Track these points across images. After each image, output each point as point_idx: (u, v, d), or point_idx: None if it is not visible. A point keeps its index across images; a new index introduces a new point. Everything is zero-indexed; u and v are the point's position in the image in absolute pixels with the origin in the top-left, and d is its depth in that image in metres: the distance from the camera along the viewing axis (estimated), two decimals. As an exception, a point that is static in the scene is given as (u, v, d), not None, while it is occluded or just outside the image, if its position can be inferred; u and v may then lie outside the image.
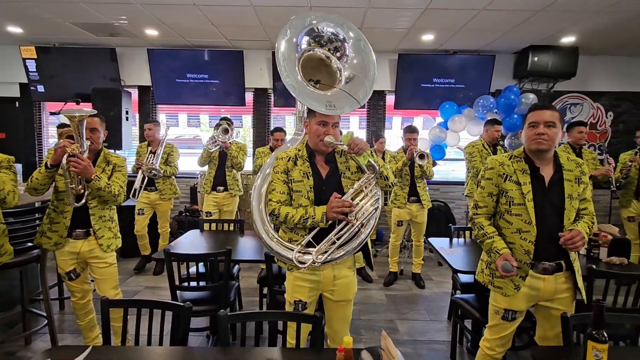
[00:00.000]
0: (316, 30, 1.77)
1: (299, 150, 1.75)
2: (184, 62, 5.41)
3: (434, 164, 5.37)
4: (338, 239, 1.58)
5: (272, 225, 1.77)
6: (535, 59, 4.95)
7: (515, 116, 5.01)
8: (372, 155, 1.64)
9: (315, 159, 1.73)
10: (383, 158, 4.66)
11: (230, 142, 3.67)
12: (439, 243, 2.87)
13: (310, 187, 1.68)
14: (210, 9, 3.90)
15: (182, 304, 1.47)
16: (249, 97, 5.72)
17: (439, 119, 5.39)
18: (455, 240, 2.94)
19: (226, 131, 3.60)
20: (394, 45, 5.15)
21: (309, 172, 1.70)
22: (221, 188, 3.81)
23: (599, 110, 5.40)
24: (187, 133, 6.70)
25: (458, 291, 2.80)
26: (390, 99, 5.69)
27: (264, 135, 5.72)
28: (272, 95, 5.65)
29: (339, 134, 1.72)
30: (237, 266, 2.99)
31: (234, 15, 4.07)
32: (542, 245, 1.63)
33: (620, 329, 2.01)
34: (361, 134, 5.95)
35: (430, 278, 3.97)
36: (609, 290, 2.01)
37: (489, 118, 4.21)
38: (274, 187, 1.72)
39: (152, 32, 4.74)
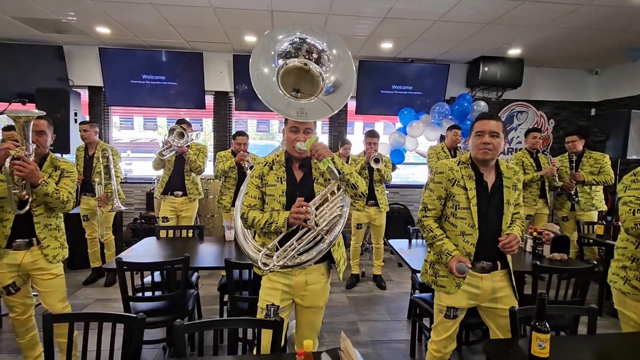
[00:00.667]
0: (294, 42, 1.77)
1: (278, 156, 1.79)
2: (139, 62, 5.19)
3: (394, 168, 5.54)
4: (299, 244, 1.58)
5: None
6: (486, 69, 5.27)
7: (469, 122, 5.29)
8: (335, 162, 1.61)
9: (292, 164, 1.76)
10: (347, 163, 4.74)
11: (188, 146, 3.55)
12: (399, 244, 2.95)
13: (283, 192, 1.70)
14: (167, 8, 3.78)
15: (134, 315, 1.40)
16: (209, 100, 5.59)
17: (399, 125, 5.57)
18: (414, 241, 3.04)
19: (181, 135, 3.48)
20: (355, 51, 5.26)
21: (283, 177, 1.72)
22: (179, 193, 3.64)
23: (542, 118, 5.83)
24: (144, 137, 6.42)
25: (417, 290, 2.89)
26: (351, 105, 5.79)
27: (225, 139, 5.61)
28: (234, 98, 5.56)
29: (310, 138, 1.72)
30: (196, 274, 2.89)
31: (193, 16, 3.97)
32: (482, 247, 1.73)
33: (562, 319, 2.17)
34: (324, 139, 6.01)
35: (390, 279, 4.06)
36: (552, 284, 2.17)
37: (450, 125, 4.42)
38: (247, 190, 1.77)
39: (103, 30, 4.51)
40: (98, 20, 4.16)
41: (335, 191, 1.67)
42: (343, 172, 1.63)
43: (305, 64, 1.73)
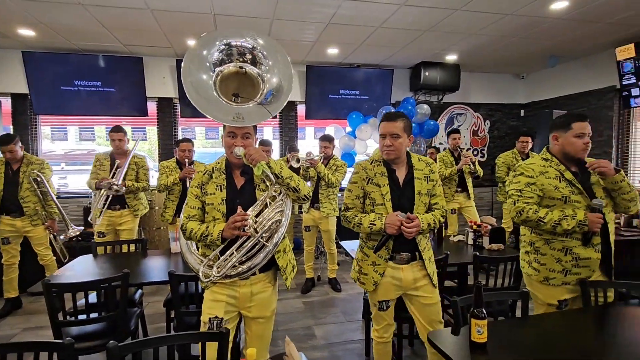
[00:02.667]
0: (222, 49, 1.71)
1: (219, 163, 1.73)
2: (70, 67, 4.81)
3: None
4: (239, 252, 1.54)
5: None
6: (427, 73, 5.55)
7: (413, 125, 5.53)
8: (271, 167, 1.58)
9: (232, 171, 1.71)
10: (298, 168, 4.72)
11: (123, 180, 3.28)
12: (351, 246, 2.99)
13: (222, 200, 1.65)
14: (99, 9, 3.55)
15: (60, 341, 1.27)
16: (152, 107, 5.32)
17: (349, 129, 5.68)
18: (365, 241, 3.10)
19: (110, 188, 3.19)
20: (302, 57, 5.30)
21: (223, 185, 1.67)
22: (117, 206, 3.39)
23: (479, 119, 6.26)
24: (80, 148, 5.96)
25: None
26: (301, 110, 5.82)
27: (171, 147, 5.37)
28: (179, 105, 5.35)
29: (252, 144, 1.68)
30: (139, 291, 2.71)
31: (129, 18, 3.76)
32: (398, 240, 1.80)
33: (502, 305, 2.32)
34: (275, 145, 5.97)
35: (346, 281, 4.10)
36: (498, 273, 2.31)
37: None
38: (187, 201, 1.71)
39: (27, 32, 4.13)
40: (19, 20, 3.80)
41: (277, 196, 1.64)
42: (282, 176, 1.61)
43: (241, 67, 1.69)
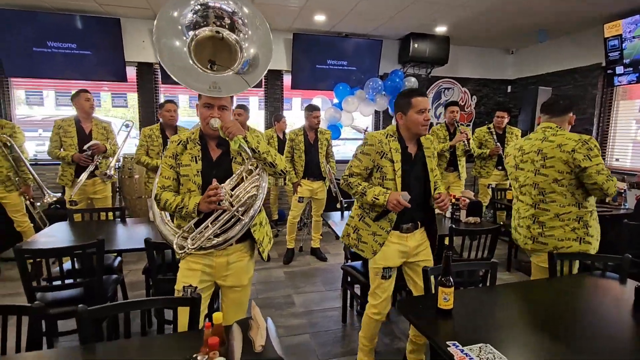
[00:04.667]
0: (197, 10, 1.61)
1: (193, 134, 1.68)
2: (42, 27, 4.55)
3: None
4: (214, 225, 1.53)
5: None
6: (416, 45, 5.44)
7: (400, 98, 5.47)
8: (248, 141, 1.53)
9: (207, 142, 1.67)
10: (284, 138, 4.66)
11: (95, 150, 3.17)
12: (331, 217, 3.02)
13: (197, 171, 1.62)
14: (69, -36, 3.31)
15: (28, 304, 1.26)
16: (131, 72, 5.12)
17: (336, 100, 5.59)
18: (346, 213, 3.13)
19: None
20: (288, 24, 5.12)
21: (198, 156, 1.63)
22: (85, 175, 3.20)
23: (466, 94, 6.23)
24: (59, 114, 5.74)
25: (349, 260, 3.00)
26: (287, 79, 5.68)
27: (152, 115, 5.22)
28: (159, 70, 5.15)
29: (228, 116, 1.63)
30: (118, 258, 2.71)
31: (102, -26, 3.54)
32: (404, 213, 1.83)
33: (474, 276, 2.40)
34: (260, 115, 5.86)
35: (328, 252, 4.17)
36: (469, 245, 2.38)
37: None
38: (161, 171, 1.67)
39: (-8, -13, 3.85)
40: (-18, -27, 3.53)
41: (253, 170, 1.61)
42: (259, 151, 1.57)
43: (218, 32, 1.61)
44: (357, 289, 2.65)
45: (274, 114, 5.46)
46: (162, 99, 5.33)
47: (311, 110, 3.68)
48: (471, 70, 6.20)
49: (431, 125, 5.73)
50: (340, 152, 6.09)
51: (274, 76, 5.63)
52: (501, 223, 3.93)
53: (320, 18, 4.84)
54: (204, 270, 1.64)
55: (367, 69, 5.69)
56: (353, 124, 5.47)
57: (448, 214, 2.90)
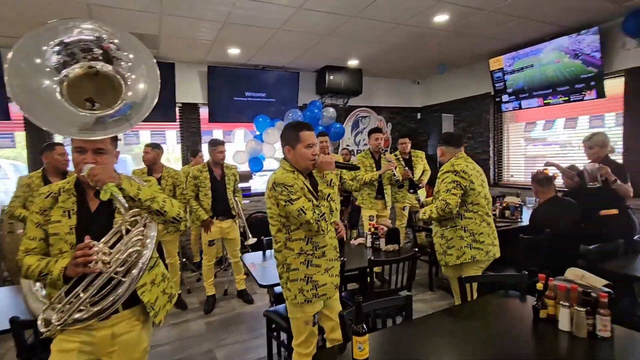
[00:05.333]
0: (59, 51, 1.39)
1: (68, 182, 1.44)
2: None
3: (250, 178, 5.44)
4: (87, 293, 1.28)
5: None
6: (331, 77, 5.65)
7: (320, 127, 5.58)
8: (124, 189, 1.33)
9: (85, 191, 1.44)
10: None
11: None
12: (251, 258, 2.84)
13: (71, 228, 1.37)
14: None
15: None
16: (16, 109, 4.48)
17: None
18: (268, 252, 2.97)
19: None
20: (202, 56, 4.98)
21: (72, 209, 1.40)
22: None
23: (382, 122, 6.60)
24: None
25: (273, 304, 2.82)
26: (204, 112, 5.47)
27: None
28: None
29: (107, 161, 1.41)
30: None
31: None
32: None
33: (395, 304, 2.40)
34: (177, 149, 5.53)
35: (255, 292, 3.93)
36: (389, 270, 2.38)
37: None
38: (26, 230, 1.40)
39: None
40: None
41: (138, 220, 1.41)
42: (140, 199, 1.37)
43: (90, 67, 1.42)
44: (284, 335, 2.49)
45: (190, 148, 5.19)
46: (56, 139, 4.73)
47: (214, 145, 3.51)
48: (384, 99, 6.61)
49: (350, 153, 5.93)
50: (262, 182, 5.95)
51: (190, 109, 5.38)
52: (423, 244, 4.12)
53: (234, 51, 4.79)
54: (81, 349, 1.36)
55: (287, 100, 5.73)
56: (276, 156, 5.41)
57: (369, 244, 2.91)
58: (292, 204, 1.70)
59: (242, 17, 3.68)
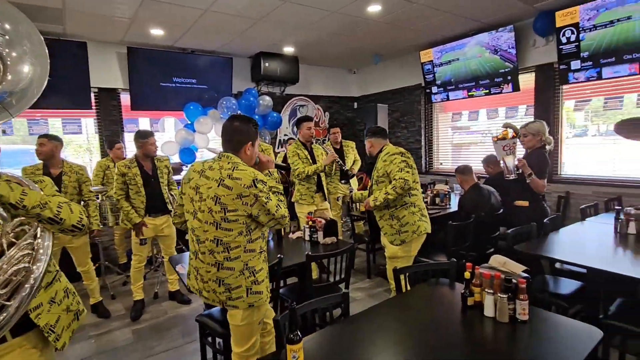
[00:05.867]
0: None
1: None
2: None
3: (180, 171, 5.08)
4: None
5: None
6: (267, 64, 5.44)
7: (256, 117, 5.37)
8: (2, 196, 1.09)
9: None
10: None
11: None
12: (180, 259, 2.63)
13: None
14: None
15: None
16: None
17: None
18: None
19: None
20: (119, 36, 4.46)
21: None
22: None
23: (319, 111, 6.56)
24: None
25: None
26: (126, 99, 4.95)
27: None
28: None
29: None
30: None
31: None
32: None
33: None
34: (95, 140, 4.95)
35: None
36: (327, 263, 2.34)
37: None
38: None
39: None
40: None
41: (27, 230, 1.18)
42: (25, 207, 1.14)
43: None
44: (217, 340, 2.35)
45: (108, 138, 4.67)
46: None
47: (145, 137, 3.15)
48: (322, 88, 6.57)
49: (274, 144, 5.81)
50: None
51: (108, 95, 4.83)
52: (361, 233, 4.19)
53: (157, 32, 4.36)
54: None
55: (220, 87, 5.41)
56: (209, 147, 5.11)
57: (307, 237, 2.86)
58: (270, 199, 1.68)
59: (163, -6, 3.33)
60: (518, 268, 1.62)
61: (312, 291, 2.29)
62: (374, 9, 3.84)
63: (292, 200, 3.82)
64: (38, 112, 4.46)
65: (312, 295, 2.22)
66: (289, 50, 5.39)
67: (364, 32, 4.62)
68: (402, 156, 2.60)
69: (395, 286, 1.96)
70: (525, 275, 1.58)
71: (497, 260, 1.70)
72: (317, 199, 3.72)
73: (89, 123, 4.96)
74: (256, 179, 1.63)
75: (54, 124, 4.73)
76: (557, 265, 2.71)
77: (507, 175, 2.94)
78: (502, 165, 3.00)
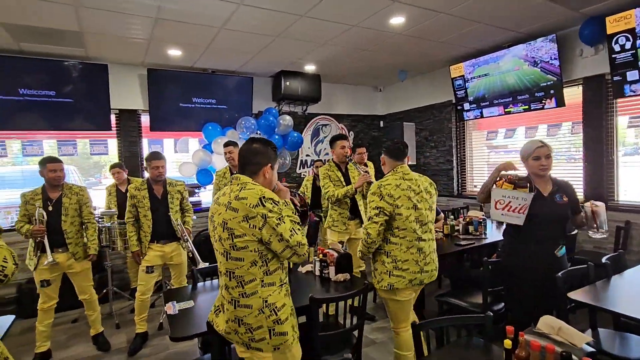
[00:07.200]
0: None
1: None
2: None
3: (193, 194, 4.94)
4: None
5: None
6: (287, 83, 5.28)
7: (276, 137, 5.18)
8: None
9: None
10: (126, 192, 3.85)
11: None
12: (184, 293, 2.37)
13: None
14: None
15: None
16: None
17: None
18: (201, 284, 2.52)
19: None
20: (140, 58, 4.46)
21: None
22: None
23: (343, 130, 6.29)
24: None
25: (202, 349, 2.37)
26: (146, 120, 4.92)
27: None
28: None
29: None
30: None
31: None
32: None
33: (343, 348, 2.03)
34: (115, 159, 4.93)
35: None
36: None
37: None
38: None
39: None
40: None
41: None
42: None
43: None
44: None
45: (130, 160, 4.63)
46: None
47: (149, 159, 3.00)
48: (345, 106, 6.32)
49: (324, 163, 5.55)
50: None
51: (129, 116, 4.82)
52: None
53: (175, 53, 4.31)
54: None
55: (239, 108, 5.29)
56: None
57: (317, 272, 2.53)
58: (284, 222, 1.43)
59: (175, 12, 3.24)
60: (579, 338, 1.21)
61: (317, 343, 1.94)
62: (397, 21, 3.57)
63: (325, 226, 3.52)
64: (63, 134, 4.50)
65: (317, 348, 1.88)
66: (310, 68, 5.20)
67: (388, 46, 4.34)
68: (380, 200, 2.12)
69: (415, 348, 1.58)
70: (591, 349, 1.17)
71: (549, 323, 1.29)
72: (350, 226, 3.34)
73: (111, 142, 4.98)
74: (264, 197, 1.39)
75: (81, 145, 4.78)
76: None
77: (593, 232, 2.21)
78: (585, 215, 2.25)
